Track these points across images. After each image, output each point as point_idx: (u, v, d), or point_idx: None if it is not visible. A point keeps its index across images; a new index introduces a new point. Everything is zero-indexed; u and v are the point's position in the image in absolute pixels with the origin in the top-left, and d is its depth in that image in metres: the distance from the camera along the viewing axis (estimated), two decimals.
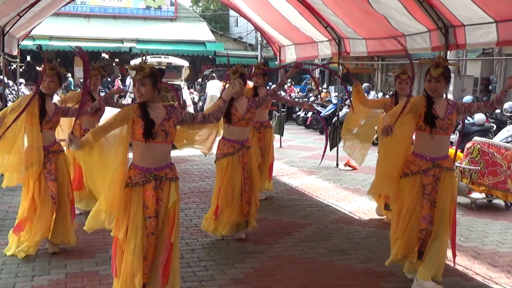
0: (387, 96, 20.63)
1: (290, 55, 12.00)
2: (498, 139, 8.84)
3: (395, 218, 4.64)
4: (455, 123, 4.56)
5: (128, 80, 22.16)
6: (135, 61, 14.32)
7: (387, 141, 4.41)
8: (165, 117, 3.89)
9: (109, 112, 4.20)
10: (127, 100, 12.79)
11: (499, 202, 7.71)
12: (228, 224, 5.75)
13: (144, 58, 3.92)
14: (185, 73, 14.58)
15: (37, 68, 27.40)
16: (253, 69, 7.22)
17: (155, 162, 3.88)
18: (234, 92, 4.48)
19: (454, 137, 10.56)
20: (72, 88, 28.08)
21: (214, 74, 20.56)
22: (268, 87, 8.20)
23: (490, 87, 20.60)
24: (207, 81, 20.90)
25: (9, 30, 8.65)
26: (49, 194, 5.12)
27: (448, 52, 7.26)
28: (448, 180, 4.48)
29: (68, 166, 5.41)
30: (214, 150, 5.86)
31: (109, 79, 27.86)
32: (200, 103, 18.85)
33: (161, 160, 3.92)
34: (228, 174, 5.69)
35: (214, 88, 18.27)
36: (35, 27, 11.17)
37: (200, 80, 26.67)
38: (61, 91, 11.55)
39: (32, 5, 8.37)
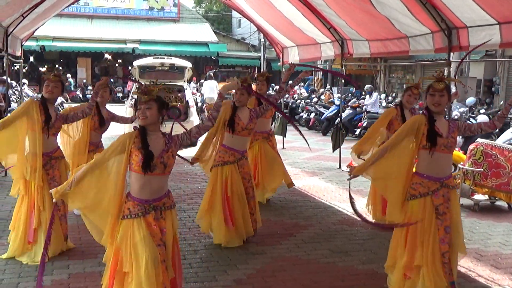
0: (389, 98, 20.67)
1: (293, 57, 12.01)
2: (501, 141, 8.82)
3: (403, 243, 4.38)
4: (457, 141, 4.49)
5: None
6: (138, 62, 14.37)
7: (386, 165, 4.39)
8: (164, 148, 3.74)
9: (114, 129, 4.06)
10: (130, 102, 12.80)
11: (502, 204, 7.70)
12: (241, 234, 5.77)
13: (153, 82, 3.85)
14: (188, 74, 14.59)
15: (40, 68, 27.52)
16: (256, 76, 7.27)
17: (154, 193, 3.76)
18: (231, 88, 4.44)
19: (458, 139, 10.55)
20: (72, 88, 28.14)
21: (211, 74, 20.50)
22: (271, 88, 8.21)
23: (493, 89, 20.59)
24: (204, 81, 20.87)
25: (12, 30, 8.67)
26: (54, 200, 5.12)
27: (451, 53, 7.25)
28: (455, 199, 4.43)
29: (67, 172, 5.41)
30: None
31: (112, 80, 27.91)
32: (199, 104, 18.83)
33: (159, 191, 3.80)
34: (233, 183, 5.69)
35: (211, 88, 18.25)
36: (38, 27, 11.20)
37: (202, 81, 26.72)
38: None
39: (35, 6, 8.39)
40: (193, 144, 12.79)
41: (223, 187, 5.70)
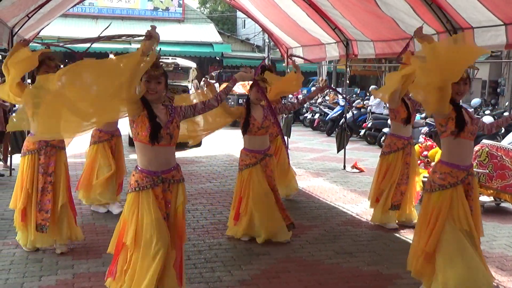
0: None
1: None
2: (506, 142, 8.77)
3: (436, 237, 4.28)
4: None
5: None
6: None
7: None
8: (169, 119, 3.79)
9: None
10: None
11: (508, 205, 7.67)
12: (264, 230, 5.77)
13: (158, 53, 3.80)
14: (192, 74, 14.59)
15: None
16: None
17: (162, 165, 3.80)
18: (246, 77, 4.46)
19: None
20: None
21: (213, 74, 20.54)
22: None
23: (498, 90, 20.53)
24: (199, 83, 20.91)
25: (18, 31, 8.69)
26: (36, 186, 5.18)
27: None
28: (475, 184, 4.46)
29: (66, 165, 5.41)
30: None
31: None
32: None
33: (168, 163, 3.84)
34: (254, 184, 5.69)
35: None
36: (43, 28, 11.22)
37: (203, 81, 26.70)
38: None
39: (40, 6, 8.39)
40: (199, 144, 12.87)
41: (240, 189, 5.77)
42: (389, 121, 13.72)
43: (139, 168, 3.81)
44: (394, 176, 6.39)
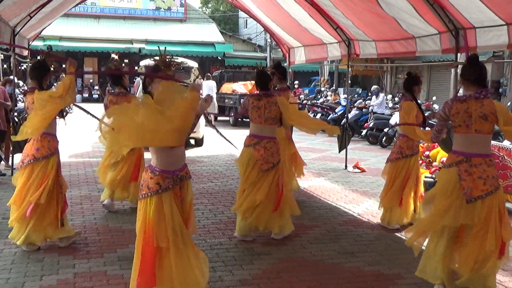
0: (396, 99, 20.62)
1: (299, 57, 12.00)
2: (508, 142, 8.77)
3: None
4: None
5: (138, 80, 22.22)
6: (145, 62, 14.39)
7: None
8: None
9: None
10: None
11: (509, 206, 7.64)
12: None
13: (165, 55, 3.84)
14: (194, 74, 14.62)
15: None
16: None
17: (178, 164, 3.85)
18: (207, 106, 4.50)
19: None
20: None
21: (209, 74, 20.61)
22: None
23: (500, 90, 20.47)
24: (202, 81, 20.98)
25: (19, 30, 8.70)
26: (59, 182, 5.35)
27: (459, 54, 7.22)
28: None
29: None
30: None
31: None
32: None
33: (182, 161, 3.91)
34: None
35: (209, 88, 18.38)
36: (45, 27, 11.24)
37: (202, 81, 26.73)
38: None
39: (42, 6, 8.42)
40: (200, 144, 12.87)
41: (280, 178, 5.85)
42: (391, 121, 13.74)
43: (158, 169, 3.77)
44: (414, 177, 6.42)
